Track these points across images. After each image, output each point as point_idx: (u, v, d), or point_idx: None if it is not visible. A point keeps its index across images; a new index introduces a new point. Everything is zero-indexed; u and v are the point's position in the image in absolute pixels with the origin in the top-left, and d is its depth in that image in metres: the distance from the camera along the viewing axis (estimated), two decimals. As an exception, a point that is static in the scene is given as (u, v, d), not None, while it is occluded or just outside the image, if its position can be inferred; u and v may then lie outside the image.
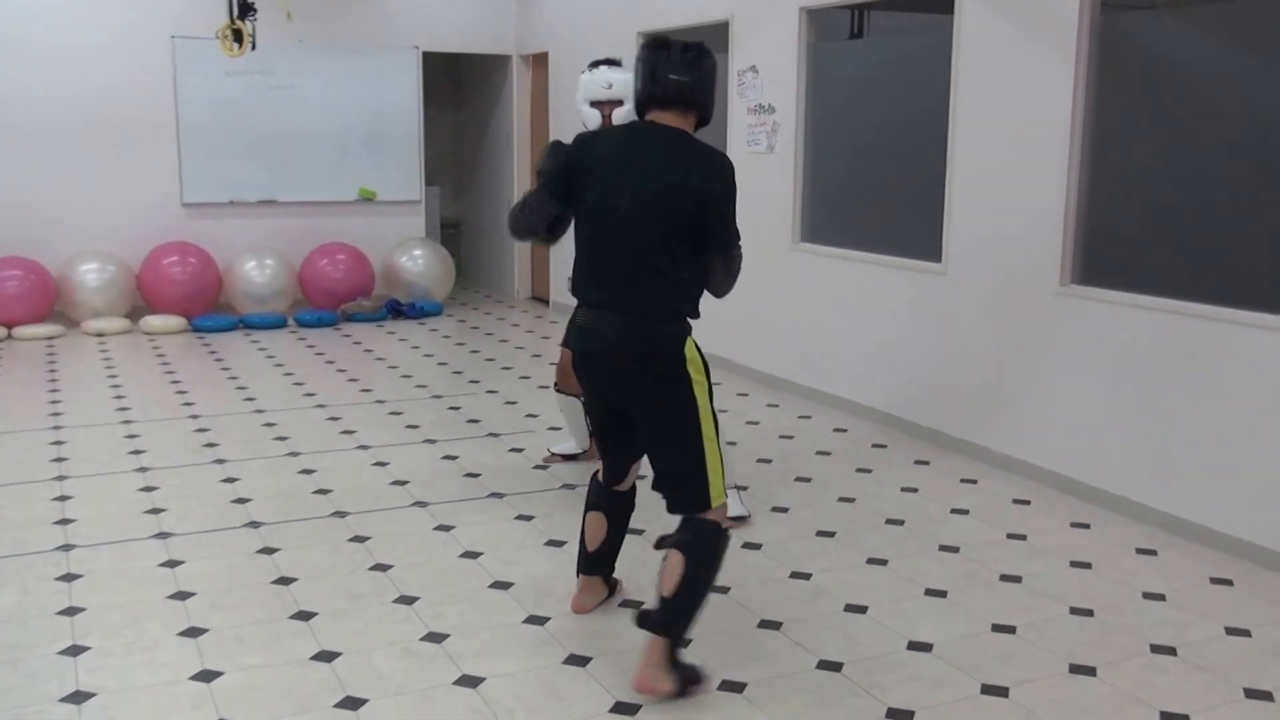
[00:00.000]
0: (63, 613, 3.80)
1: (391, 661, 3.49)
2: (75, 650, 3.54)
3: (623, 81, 4.67)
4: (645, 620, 3.28)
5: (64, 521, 4.65)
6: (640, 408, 3.38)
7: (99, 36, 8.93)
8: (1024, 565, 4.34)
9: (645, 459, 3.56)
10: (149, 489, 5.07)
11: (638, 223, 3.25)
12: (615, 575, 3.96)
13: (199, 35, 8.97)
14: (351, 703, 3.24)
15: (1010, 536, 4.64)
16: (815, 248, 6.74)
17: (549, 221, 3.49)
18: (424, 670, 3.44)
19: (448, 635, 3.67)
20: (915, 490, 5.20)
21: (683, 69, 3.30)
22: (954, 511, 4.93)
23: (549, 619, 3.79)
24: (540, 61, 10.06)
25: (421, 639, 3.64)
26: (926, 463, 5.62)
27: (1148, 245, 4.90)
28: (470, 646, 3.59)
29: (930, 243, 5.87)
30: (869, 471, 5.47)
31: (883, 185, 6.33)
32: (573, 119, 9.40)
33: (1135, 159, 4.92)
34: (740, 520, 4.68)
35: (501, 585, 4.07)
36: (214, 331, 8.82)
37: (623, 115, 4.67)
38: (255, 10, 7.68)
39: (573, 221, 3.46)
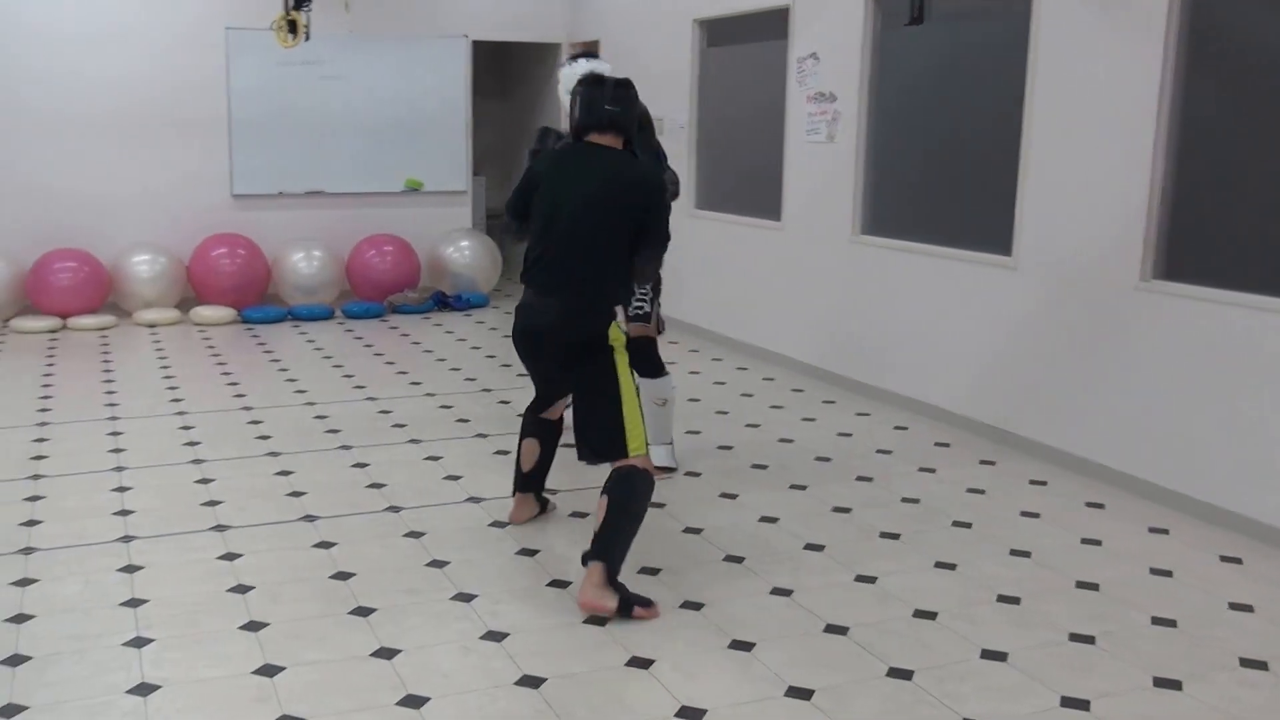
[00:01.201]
0: (125, 604, 3.85)
1: (452, 659, 3.51)
2: (139, 642, 3.59)
3: (601, 71, 4.82)
4: (585, 556, 3.87)
5: (123, 513, 4.71)
6: (574, 374, 4.04)
7: (154, 28, 9.04)
8: (1101, 572, 4.27)
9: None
10: (205, 481, 5.13)
11: (582, 223, 3.93)
12: (545, 495, 4.71)
13: (252, 26, 9.04)
14: (414, 700, 3.26)
15: (1085, 541, 4.58)
16: (876, 240, 6.68)
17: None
18: (485, 669, 3.45)
19: (507, 634, 3.68)
20: (982, 492, 5.14)
21: (614, 101, 4.05)
22: (1024, 514, 4.87)
23: (608, 620, 3.79)
24: (592, 49, 10.04)
25: (481, 637, 3.65)
26: (992, 463, 5.55)
27: (1235, 239, 4.80)
28: (530, 645, 3.60)
29: (1000, 236, 5.80)
30: (932, 471, 5.42)
31: (948, 176, 6.26)
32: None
33: (1223, 149, 4.81)
34: (668, 471, 5.22)
35: (560, 584, 4.07)
36: (263, 323, 8.91)
37: None
38: (310, 0, 7.75)
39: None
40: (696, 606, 3.90)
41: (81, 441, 5.71)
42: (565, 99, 4.83)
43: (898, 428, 6.15)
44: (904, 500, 5.02)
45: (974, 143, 6.06)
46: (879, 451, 5.73)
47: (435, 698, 3.28)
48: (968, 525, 4.73)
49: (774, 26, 7.44)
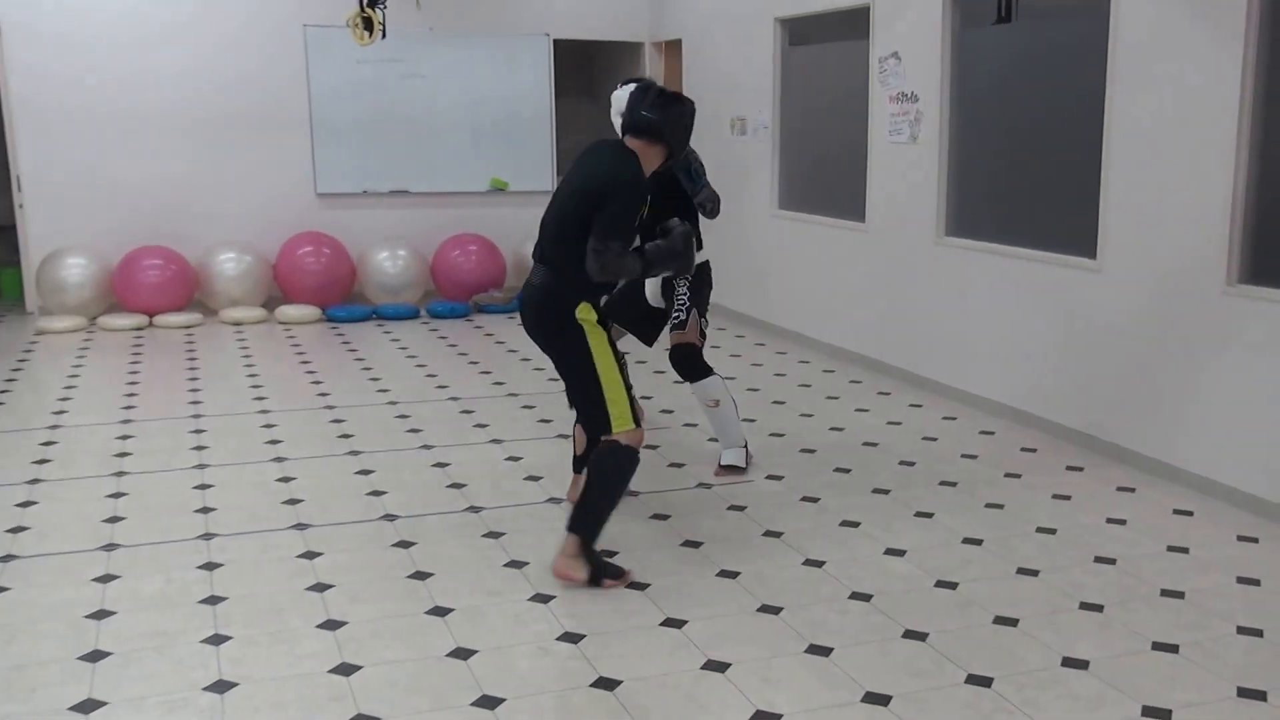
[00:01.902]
0: (205, 601, 3.96)
1: (528, 660, 3.54)
2: (218, 639, 3.68)
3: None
4: (568, 523, 4.14)
5: (205, 510, 4.84)
6: (554, 353, 4.28)
7: (235, 26, 9.27)
8: (1187, 580, 4.16)
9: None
10: (286, 479, 5.24)
11: (554, 211, 4.23)
12: None
13: (331, 24, 9.22)
14: (489, 701, 3.29)
15: (1171, 549, 4.46)
16: (960, 242, 6.58)
17: None
18: (561, 670, 3.48)
19: (584, 635, 3.70)
20: (1068, 498, 5.04)
21: (653, 109, 4.19)
22: (1110, 521, 4.76)
23: (686, 622, 3.79)
24: (674, 49, 10.07)
25: (558, 638, 3.68)
26: (1080, 469, 5.44)
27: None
28: (607, 647, 3.62)
29: (1084, 238, 5.68)
30: (1018, 477, 5.32)
31: (1032, 177, 6.15)
32: (706, 105, 9.36)
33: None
34: (736, 470, 5.33)
35: (638, 586, 4.08)
36: (347, 322, 9.08)
37: None
38: (386, -1, 7.86)
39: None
40: (775, 610, 3.89)
41: (165, 439, 5.88)
42: (616, 121, 4.93)
43: (983, 432, 6.05)
44: (988, 506, 4.94)
45: (1057, 143, 5.94)
46: (964, 456, 5.64)
47: (511, 698, 3.31)
48: (1052, 531, 4.64)
49: (855, 26, 7.37)
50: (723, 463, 5.35)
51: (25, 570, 4.24)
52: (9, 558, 4.35)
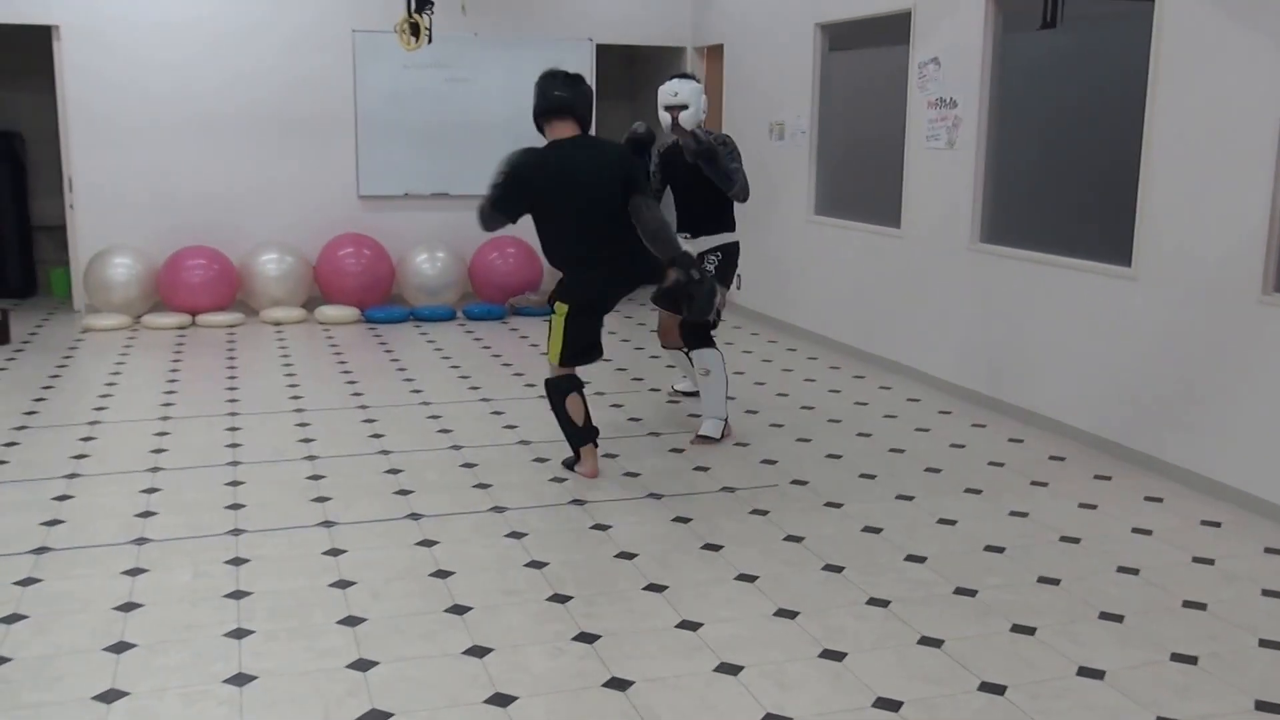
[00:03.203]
0: (230, 596, 4.03)
1: (543, 660, 3.58)
2: (240, 633, 3.75)
3: (687, 90, 5.83)
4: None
5: (235, 506, 4.93)
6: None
7: (285, 32, 9.42)
8: (1211, 592, 4.12)
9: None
10: (317, 477, 5.33)
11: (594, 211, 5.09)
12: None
13: (379, 29, 9.34)
14: (501, 699, 3.34)
15: (1197, 560, 4.42)
16: (996, 248, 6.55)
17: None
18: (575, 670, 3.51)
19: (599, 636, 3.73)
20: (1094, 507, 5.00)
21: (564, 87, 4.89)
22: (1135, 531, 4.72)
23: (701, 625, 3.81)
24: (715, 53, 10.09)
25: (574, 638, 3.72)
26: (1108, 478, 5.39)
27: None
28: (622, 648, 3.65)
29: (1120, 246, 5.63)
30: (1044, 485, 5.29)
31: (1070, 184, 6.11)
32: (745, 110, 9.39)
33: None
34: (708, 440, 5.87)
35: (656, 588, 4.11)
36: (385, 323, 9.19)
37: (687, 117, 5.82)
38: (432, 4, 7.95)
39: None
40: (792, 615, 3.90)
41: (201, 436, 5.99)
42: (661, 114, 5.93)
43: (1013, 440, 6.01)
44: (1012, 514, 4.91)
45: (1095, 150, 5.90)
46: (991, 464, 5.61)
47: (523, 697, 3.35)
48: (1076, 541, 4.61)
49: (896, 31, 7.35)
50: (699, 432, 5.91)
51: (58, 562, 4.34)
52: (43, 550, 4.46)
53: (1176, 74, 5.23)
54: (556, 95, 4.79)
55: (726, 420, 5.94)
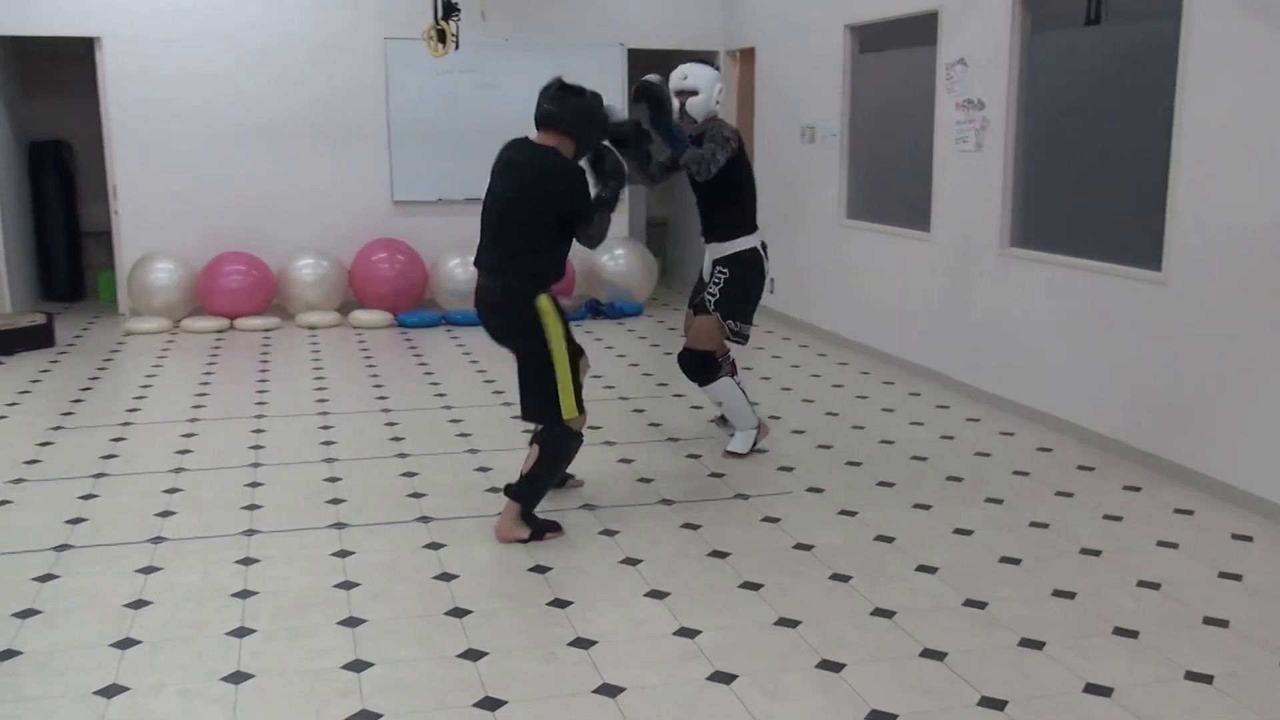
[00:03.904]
0: (236, 595, 4.07)
1: (536, 664, 3.56)
2: (243, 632, 3.78)
3: (698, 74, 5.45)
4: (508, 489, 4.65)
5: (251, 507, 4.97)
6: (510, 345, 4.74)
7: (319, 39, 9.52)
8: (1234, 608, 4.00)
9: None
10: (334, 479, 5.36)
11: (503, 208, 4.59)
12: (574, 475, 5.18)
13: (410, 36, 9.41)
14: (490, 703, 3.32)
15: (1223, 575, 4.29)
16: (1024, 252, 6.43)
17: None
18: (566, 675, 3.49)
19: (595, 642, 3.71)
20: (1119, 519, 4.88)
21: (552, 101, 4.59)
22: (1161, 544, 4.60)
23: (700, 632, 3.77)
24: (747, 56, 10.04)
25: (569, 644, 3.70)
26: (1137, 489, 5.26)
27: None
28: (615, 654, 3.62)
29: (1150, 250, 5.50)
30: (1069, 496, 5.18)
31: (1100, 186, 5.98)
32: (776, 113, 9.33)
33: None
34: (735, 455, 5.66)
35: (657, 594, 4.08)
36: (417, 327, 9.24)
37: (696, 105, 5.45)
38: (459, 10, 8.00)
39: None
40: (793, 624, 3.85)
41: (226, 438, 6.05)
42: (674, 102, 5.45)
43: (1041, 449, 5.90)
44: (1032, 525, 4.81)
45: (1126, 151, 5.77)
46: (1015, 473, 5.51)
47: (512, 701, 3.33)
48: (1096, 553, 4.50)
49: (924, 31, 7.27)
50: (727, 448, 5.73)
51: (76, 559, 4.41)
52: (64, 547, 4.53)
53: (1206, 74, 5.11)
54: (543, 108, 4.61)
55: (760, 426, 5.75)
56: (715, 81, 5.48)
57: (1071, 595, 4.10)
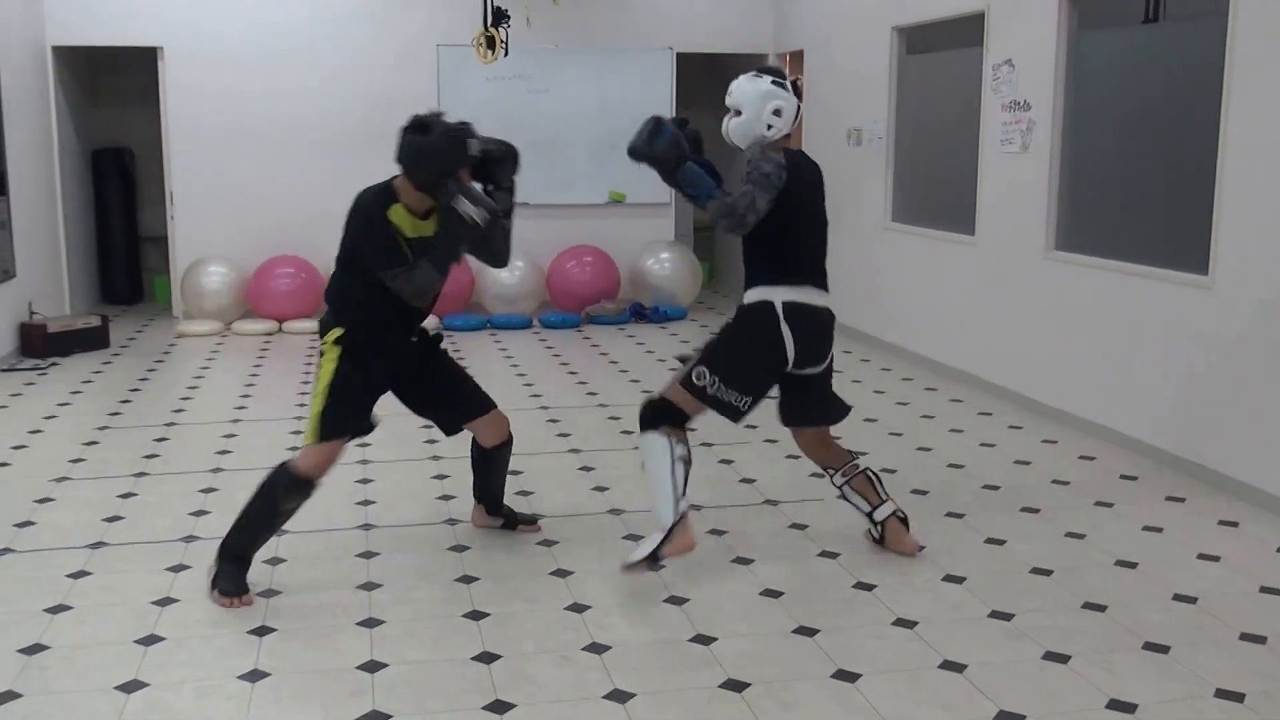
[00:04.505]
0: (261, 594, 4.11)
1: (549, 669, 3.55)
2: (263, 630, 3.82)
3: (742, 90, 4.22)
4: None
5: (283, 507, 5.03)
6: None
7: (373, 49, 9.65)
8: (1274, 624, 3.88)
9: (477, 418, 4.56)
10: (365, 481, 5.41)
11: None
12: (516, 512, 4.78)
13: (462, 43, 9.48)
14: (500, 706, 3.32)
15: (1265, 590, 4.17)
16: (1070, 256, 6.31)
17: None
18: (578, 680, 3.48)
19: (609, 647, 3.69)
20: (1159, 530, 4.76)
21: (399, 137, 4.15)
22: (1201, 557, 4.48)
23: (715, 639, 3.74)
24: (796, 59, 9.98)
25: (584, 648, 3.69)
26: (1181, 500, 5.13)
27: None
28: (630, 660, 3.60)
29: (1197, 253, 5.37)
30: (1109, 506, 5.06)
31: (1147, 189, 5.85)
32: (824, 116, 9.26)
33: None
34: (635, 566, 4.07)
35: (677, 600, 4.05)
36: (461, 330, 9.30)
37: (737, 128, 4.24)
38: (509, 17, 8.05)
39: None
40: (811, 633, 3.80)
41: (266, 439, 6.13)
42: (730, 126, 4.30)
43: (1083, 457, 5.77)
44: (1067, 535, 4.71)
45: (1174, 152, 5.64)
46: (1055, 482, 5.40)
47: (521, 704, 3.33)
48: (1132, 565, 4.39)
49: (971, 32, 7.17)
50: (628, 560, 4.10)
51: (111, 557, 4.50)
52: (99, 544, 4.62)
53: (1253, 74, 4.97)
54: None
55: (676, 527, 4.05)
56: (768, 100, 4.12)
57: (1102, 608, 4.00)
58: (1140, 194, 5.90)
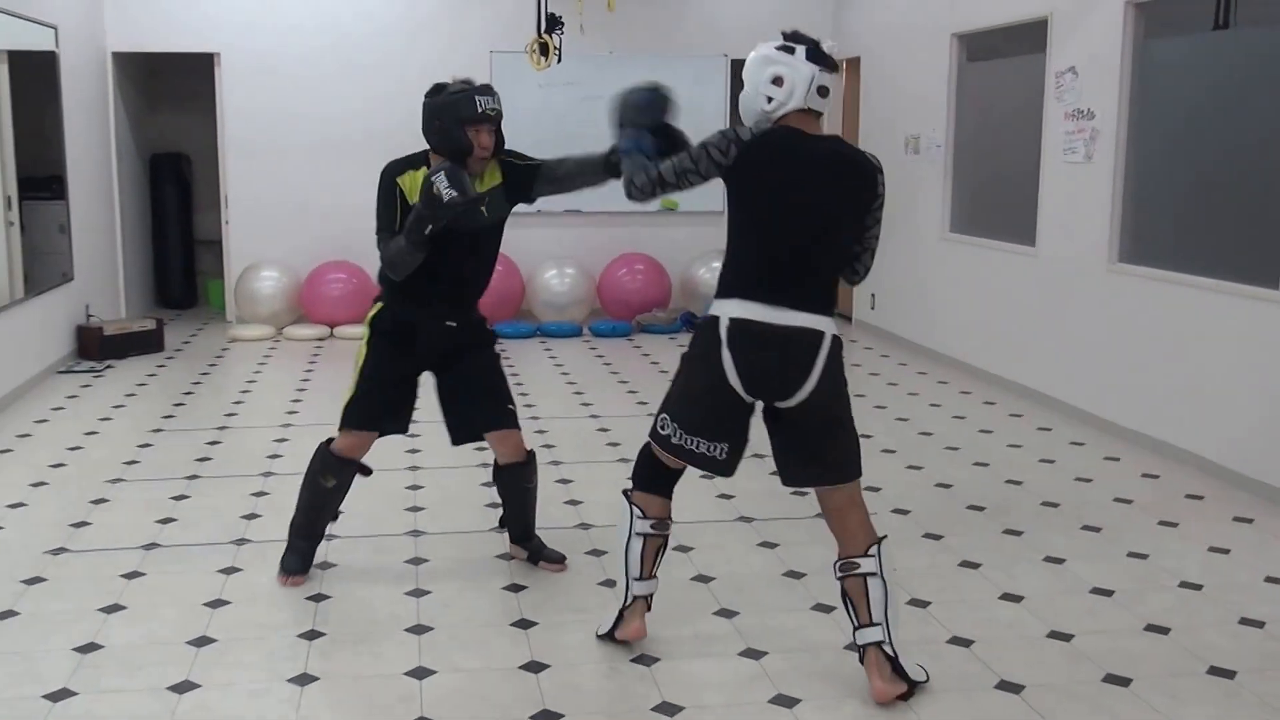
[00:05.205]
0: (311, 599, 4.17)
1: (597, 680, 3.57)
2: (313, 635, 3.87)
3: (747, 61, 3.50)
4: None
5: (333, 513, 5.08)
6: None
7: (426, 54, 9.74)
8: (1344, 651, 3.80)
9: (488, 432, 4.50)
10: (414, 487, 5.46)
11: None
12: (545, 547, 4.51)
13: (515, 50, 9.56)
14: (548, 716, 3.34)
15: (1335, 615, 4.08)
16: (1135, 269, 6.23)
17: None
18: (625, 692, 3.49)
19: (658, 659, 3.69)
20: (1226, 551, 4.68)
21: None
22: (1269, 580, 4.39)
23: (766, 654, 3.73)
24: (853, 67, 9.95)
25: (632, 660, 3.69)
26: (1249, 520, 5.04)
27: None
28: (678, 672, 3.60)
29: (1268, 267, 5.28)
30: (1174, 526, 4.98)
31: (1216, 199, 5.76)
32: (881, 123, 9.22)
33: None
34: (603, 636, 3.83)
35: (727, 613, 4.05)
36: (511, 338, 9.34)
37: (741, 103, 3.54)
38: (562, 23, 8.10)
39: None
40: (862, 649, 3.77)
41: (315, 444, 6.15)
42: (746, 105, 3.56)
43: (1147, 475, 5.69)
44: (1130, 555, 4.64)
45: (1242, 163, 5.55)
46: (1117, 500, 5.32)
47: (569, 715, 3.35)
48: (1198, 587, 4.31)
49: (1033, 39, 7.11)
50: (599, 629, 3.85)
51: (163, 558, 4.58)
52: (152, 546, 4.71)
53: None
54: None
55: (628, 610, 3.70)
56: (765, 67, 3.40)
57: (1165, 631, 3.94)
58: (1208, 205, 5.81)
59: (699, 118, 10.12)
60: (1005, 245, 7.48)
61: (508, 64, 9.75)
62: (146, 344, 8.67)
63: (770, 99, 3.41)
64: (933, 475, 5.68)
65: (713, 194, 10.21)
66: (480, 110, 4.12)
